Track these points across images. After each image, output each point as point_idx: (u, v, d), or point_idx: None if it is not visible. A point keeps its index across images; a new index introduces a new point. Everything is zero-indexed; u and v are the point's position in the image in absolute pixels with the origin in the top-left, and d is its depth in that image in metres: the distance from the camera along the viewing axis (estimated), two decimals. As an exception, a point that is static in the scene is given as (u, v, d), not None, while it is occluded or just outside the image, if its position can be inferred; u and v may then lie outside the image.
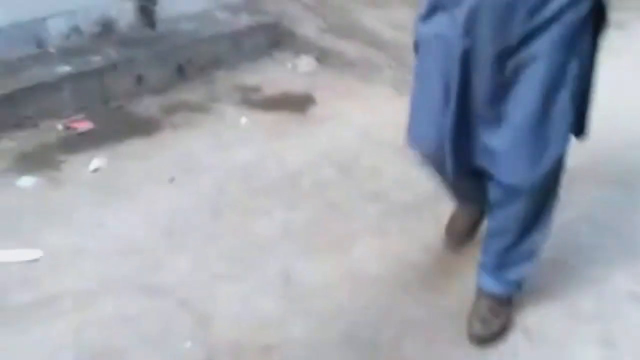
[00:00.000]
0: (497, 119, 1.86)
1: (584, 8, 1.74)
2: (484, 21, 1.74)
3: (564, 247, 2.51)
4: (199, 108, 3.64)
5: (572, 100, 1.81)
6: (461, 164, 1.97)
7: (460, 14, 1.76)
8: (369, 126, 3.44)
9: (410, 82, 2.06)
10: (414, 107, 2.02)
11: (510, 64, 1.78)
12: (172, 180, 2.97)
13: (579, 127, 1.98)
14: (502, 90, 1.82)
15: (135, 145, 3.26)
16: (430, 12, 1.86)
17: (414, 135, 2.05)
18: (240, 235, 2.61)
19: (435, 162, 2.07)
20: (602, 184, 2.90)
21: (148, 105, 3.62)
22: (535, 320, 2.19)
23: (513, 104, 1.81)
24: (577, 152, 3.06)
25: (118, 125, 3.43)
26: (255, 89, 3.87)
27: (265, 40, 4.19)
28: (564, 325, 2.17)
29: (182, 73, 3.84)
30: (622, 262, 2.43)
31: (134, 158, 3.14)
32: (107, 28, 3.80)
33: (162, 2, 3.98)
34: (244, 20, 4.18)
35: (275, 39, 4.22)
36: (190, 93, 3.78)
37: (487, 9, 1.72)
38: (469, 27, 1.76)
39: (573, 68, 1.77)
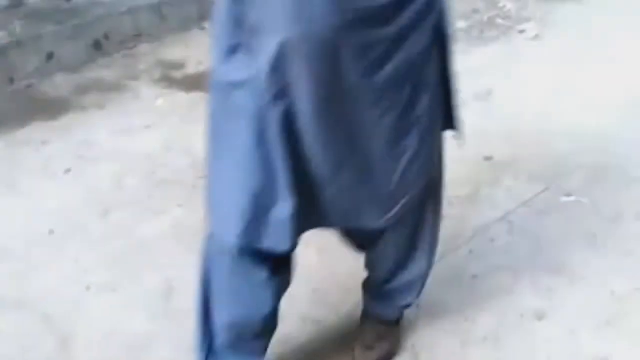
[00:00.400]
0: (338, 169, 1.48)
1: (423, 39, 1.43)
2: (299, 71, 1.34)
3: (474, 252, 2.34)
4: (114, 87, 3.42)
5: (425, 136, 1.53)
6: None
7: (266, 60, 1.34)
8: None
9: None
10: (217, 181, 1.52)
11: (346, 111, 1.41)
12: (67, 171, 2.76)
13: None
14: (338, 144, 1.44)
15: (36, 130, 3.05)
16: (231, 50, 1.40)
17: (223, 220, 1.52)
18: (126, 236, 2.41)
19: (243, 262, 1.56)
20: (527, 181, 2.71)
21: (59, 85, 3.40)
22: (425, 342, 2.01)
23: (353, 153, 1.47)
24: (504, 146, 2.90)
25: (22, 107, 3.22)
26: (179, 65, 3.65)
27: (194, 11, 3.95)
28: (455, 348, 2.00)
29: (99, 48, 3.61)
30: (531, 272, 2.25)
31: (30, 144, 2.93)
32: (16, 1, 3.55)
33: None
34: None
35: (205, 8, 3.97)
36: (107, 70, 3.56)
37: (302, 53, 1.32)
38: (280, 77, 1.35)
39: (422, 104, 1.48)
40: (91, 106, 3.23)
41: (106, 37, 3.60)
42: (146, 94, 3.37)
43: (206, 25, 3.93)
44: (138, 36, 3.73)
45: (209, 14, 3.91)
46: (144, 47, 3.73)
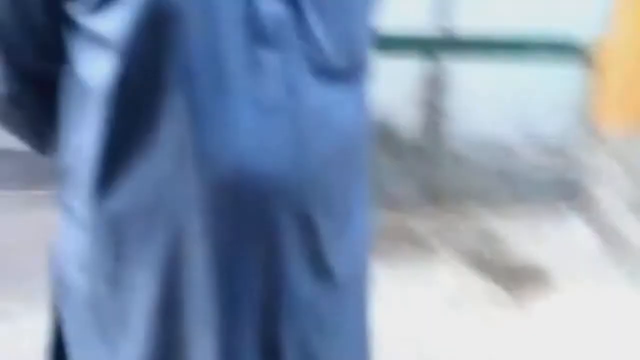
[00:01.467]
0: None
1: None
2: None
3: None
4: (415, 242, 3.15)
5: None
6: None
7: None
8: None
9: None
10: None
11: None
12: None
13: None
14: None
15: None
16: None
17: None
18: None
19: None
20: None
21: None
22: None
23: None
24: None
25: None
26: (499, 242, 3.22)
27: (547, 190, 3.48)
28: None
29: (431, 196, 3.39)
30: None
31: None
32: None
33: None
34: (533, 162, 3.50)
35: (564, 192, 3.47)
36: (422, 221, 3.29)
37: None
38: None
39: None
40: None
41: (442, 186, 3.40)
42: (440, 267, 3.03)
43: (559, 207, 3.43)
44: (477, 197, 3.41)
45: (565, 198, 3.44)
46: (475, 210, 3.39)
